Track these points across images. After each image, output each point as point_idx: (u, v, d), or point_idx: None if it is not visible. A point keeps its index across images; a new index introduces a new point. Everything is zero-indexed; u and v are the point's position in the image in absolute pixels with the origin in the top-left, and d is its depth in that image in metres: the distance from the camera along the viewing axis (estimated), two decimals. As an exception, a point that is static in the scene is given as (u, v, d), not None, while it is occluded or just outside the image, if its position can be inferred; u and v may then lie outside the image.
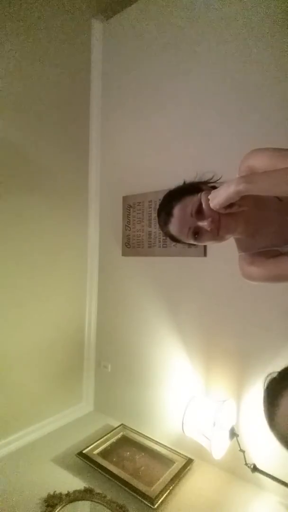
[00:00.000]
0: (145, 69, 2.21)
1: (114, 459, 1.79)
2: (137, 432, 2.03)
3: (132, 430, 2.05)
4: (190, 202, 0.91)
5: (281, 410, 0.64)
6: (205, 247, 1.85)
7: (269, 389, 0.70)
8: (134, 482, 1.59)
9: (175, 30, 2.06)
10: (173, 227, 0.94)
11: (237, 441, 1.63)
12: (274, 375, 0.71)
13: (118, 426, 2.09)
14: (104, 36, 2.46)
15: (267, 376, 0.72)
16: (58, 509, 1.44)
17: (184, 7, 2.01)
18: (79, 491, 1.55)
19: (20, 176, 1.98)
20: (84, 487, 1.58)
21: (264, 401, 0.70)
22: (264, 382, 0.72)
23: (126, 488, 1.56)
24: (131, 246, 2.22)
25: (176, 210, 0.92)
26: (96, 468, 1.70)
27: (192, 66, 1.98)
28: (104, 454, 1.83)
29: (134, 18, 2.29)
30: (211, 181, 1.01)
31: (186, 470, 1.72)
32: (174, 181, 1.03)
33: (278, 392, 0.67)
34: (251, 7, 1.75)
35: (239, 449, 1.62)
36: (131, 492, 1.55)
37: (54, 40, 2.16)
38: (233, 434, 1.63)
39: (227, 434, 1.62)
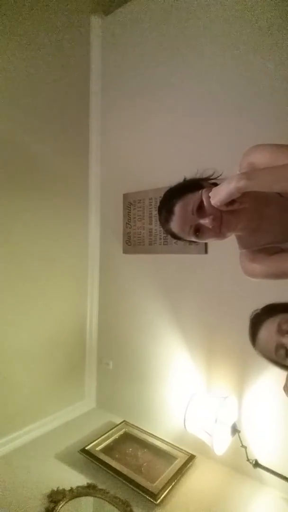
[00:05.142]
0: (145, 66, 2.20)
1: (117, 456, 1.80)
2: (139, 428, 2.04)
3: (134, 426, 2.06)
4: (191, 200, 0.90)
5: (260, 335, 0.93)
6: (206, 244, 1.85)
7: (252, 320, 0.97)
8: (137, 478, 1.60)
9: (175, 26, 2.04)
10: (174, 225, 0.93)
11: (239, 437, 1.63)
12: (258, 311, 0.98)
13: (121, 423, 2.10)
14: (103, 32, 2.44)
15: (253, 312, 0.99)
16: (61, 505, 1.46)
17: (184, 3, 2.00)
18: (82, 487, 1.56)
19: (21, 175, 1.98)
20: (87, 483, 1.59)
21: (249, 329, 0.97)
22: (250, 316, 0.99)
23: (129, 484, 1.58)
24: (132, 243, 2.22)
25: (177, 208, 0.91)
26: (99, 464, 1.71)
27: (192, 63, 1.97)
28: (107, 450, 1.84)
29: (133, 14, 2.27)
30: (212, 177, 1.00)
31: (188, 466, 1.73)
32: (174, 178, 1.02)
33: (258, 323, 0.94)
34: (252, 5, 1.73)
35: (240, 445, 1.63)
36: (133, 487, 1.56)
37: (52, 37, 2.14)
38: (235, 430, 1.64)
39: (228, 430, 1.62)
